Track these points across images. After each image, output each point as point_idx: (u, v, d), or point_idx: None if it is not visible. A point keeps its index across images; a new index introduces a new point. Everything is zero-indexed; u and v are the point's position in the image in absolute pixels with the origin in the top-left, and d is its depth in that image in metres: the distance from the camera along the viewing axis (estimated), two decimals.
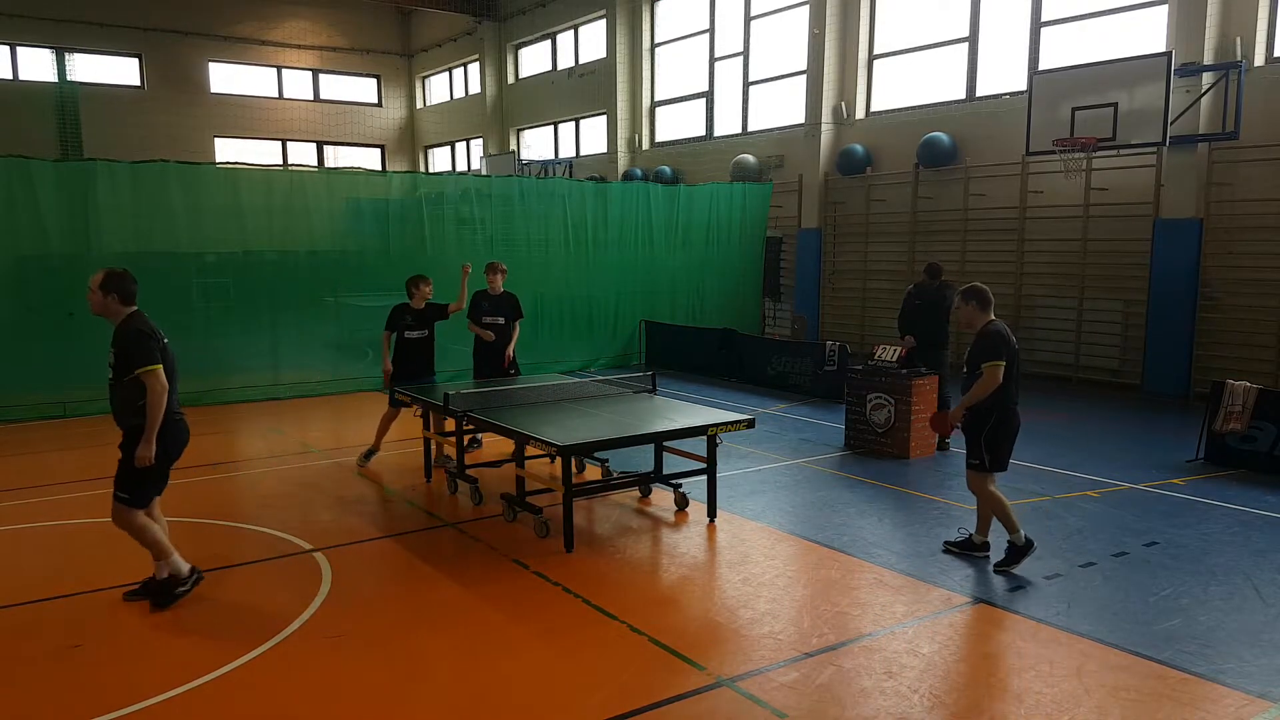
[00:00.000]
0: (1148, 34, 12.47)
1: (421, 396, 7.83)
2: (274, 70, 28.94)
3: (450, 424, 7.73)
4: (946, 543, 6.32)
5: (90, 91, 25.39)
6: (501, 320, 9.16)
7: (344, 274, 13.24)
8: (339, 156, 30.03)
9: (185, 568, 5.41)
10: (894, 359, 9.13)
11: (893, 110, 15.99)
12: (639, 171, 20.94)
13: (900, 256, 15.43)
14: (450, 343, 13.12)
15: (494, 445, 9.29)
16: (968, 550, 6.17)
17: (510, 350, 9.20)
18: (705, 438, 6.82)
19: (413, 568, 6.09)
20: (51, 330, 11.02)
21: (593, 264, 15.16)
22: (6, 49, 24.87)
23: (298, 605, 5.31)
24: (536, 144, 26.10)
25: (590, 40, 23.52)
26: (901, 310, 9.58)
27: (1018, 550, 5.76)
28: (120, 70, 26.52)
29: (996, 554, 6.02)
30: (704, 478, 7.01)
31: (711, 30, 19.83)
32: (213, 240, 12.29)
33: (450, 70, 29.84)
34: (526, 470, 6.88)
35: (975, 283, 6.03)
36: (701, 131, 20.31)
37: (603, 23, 22.40)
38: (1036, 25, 13.77)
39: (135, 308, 5.42)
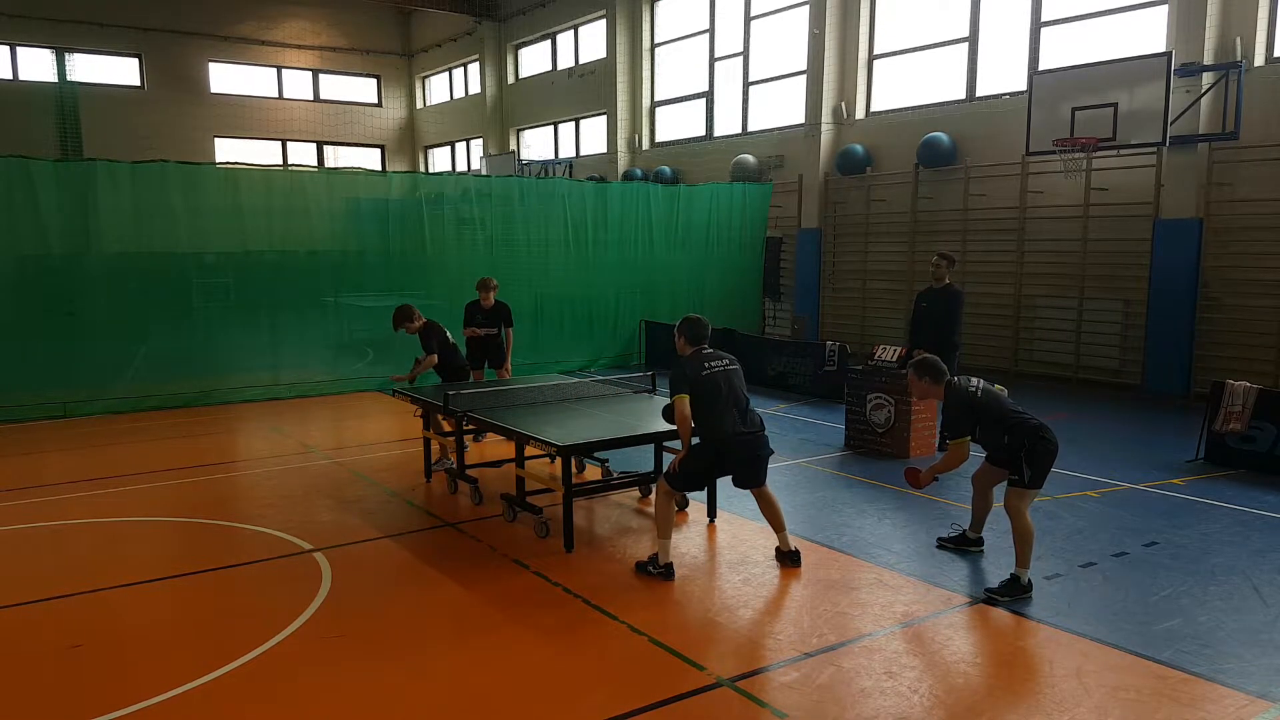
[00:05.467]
0: (1148, 34, 12.47)
1: (422, 397, 7.84)
2: (274, 70, 28.94)
3: (449, 424, 7.75)
4: (940, 539, 6.33)
5: (90, 91, 25.39)
6: (495, 330, 9.91)
7: (344, 274, 13.25)
8: (339, 156, 30.03)
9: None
10: (894, 359, 9.13)
11: (893, 110, 15.99)
12: (639, 171, 20.94)
13: (900, 256, 15.43)
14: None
15: (494, 445, 9.29)
16: (962, 545, 6.18)
17: (509, 360, 10.05)
18: None
19: (413, 568, 6.09)
20: (51, 330, 11.04)
21: (593, 264, 15.16)
22: (6, 49, 24.86)
23: (298, 605, 5.31)
24: (536, 144, 26.10)
25: (590, 40, 23.52)
26: (911, 316, 9.46)
27: (1019, 587, 5.42)
28: (120, 70, 26.52)
29: (994, 558, 6.02)
30: None
31: (711, 30, 19.83)
32: (213, 240, 12.29)
33: (450, 70, 29.84)
34: (526, 470, 6.87)
35: (926, 356, 5.90)
36: (701, 131, 20.31)
37: (603, 23, 22.39)
38: (1036, 25, 13.77)
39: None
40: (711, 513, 7.01)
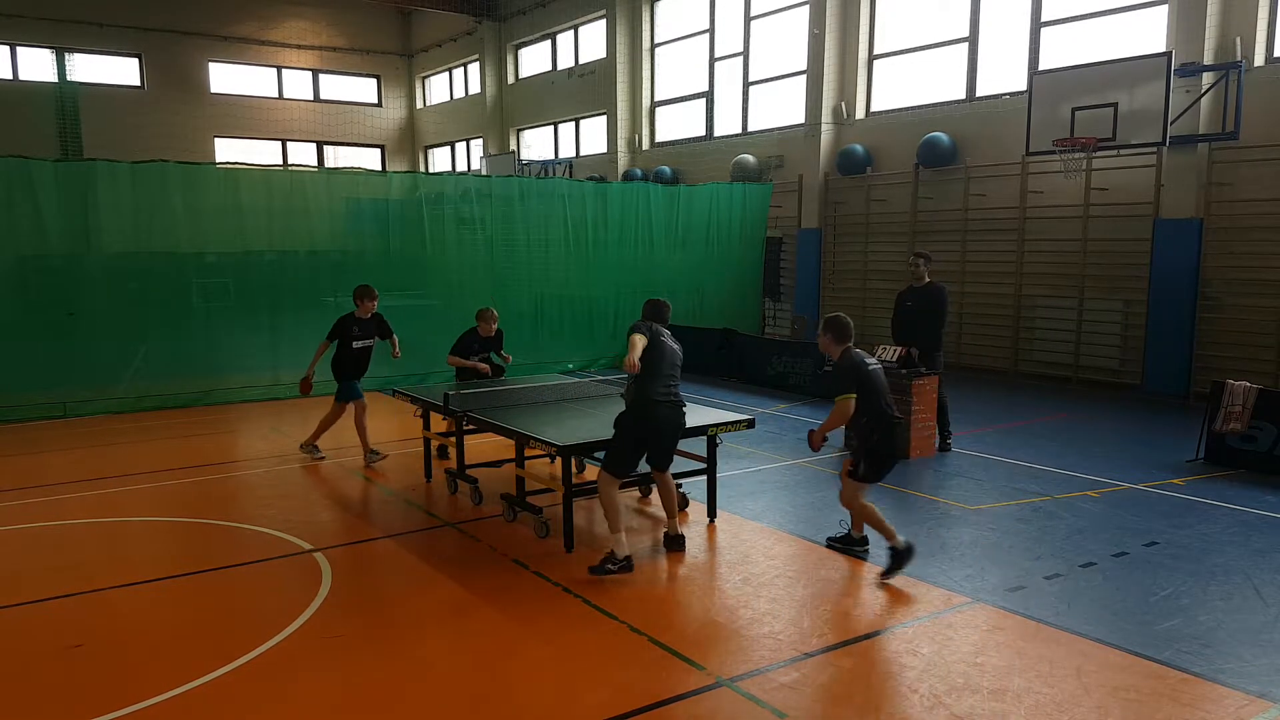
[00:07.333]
0: (1148, 34, 12.47)
1: (422, 397, 7.84)
2: (274, 70, 28.95)
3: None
4: (829, 539, 6.40)
5: (90, 91, 25.40)
6: (487, 355, 9.46)
7: (344, 274, 13.21)
8: (339, 156, 30.03)
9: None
10: (894, 359, 9.13)
11: (893, 110, 15.99)
12: (639, 171, 20.94)
13: (900, 256, 15.39)
14: (450, 341, 13.12)
15: (494, 445, 9.29)
16: (849, 545, 6.25)
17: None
18: (705, 438, 6.82)
19: (413, 568, 6.09)
20: (51, 330, 11.04)
21: (593, 264, 15.15)
22: (6, 49, 24.88)
23: (298, 605, 5.31)
24: (536, 144, 26.11)
25: (590, 40, 23.53)
26: (894, 315, 9.49)
27: (898, 554, 5.70)
28: (120, 70, 26.53)
29: (995, 555, 6.02)
30: (704, 478, 7.02)
31: (711, 30, 19.83)
32: (213, 240, 12.29)
33: (450, 70, 29.85)
34: (526, 470, 6.87)
35: (838, 314, 6.09)
36: (701, 131, 20.31)
37: (603, 23, 22.40)
38: (1036, 25, 13.77)
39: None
40: (711, 513, 7.01)
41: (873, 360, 5.96)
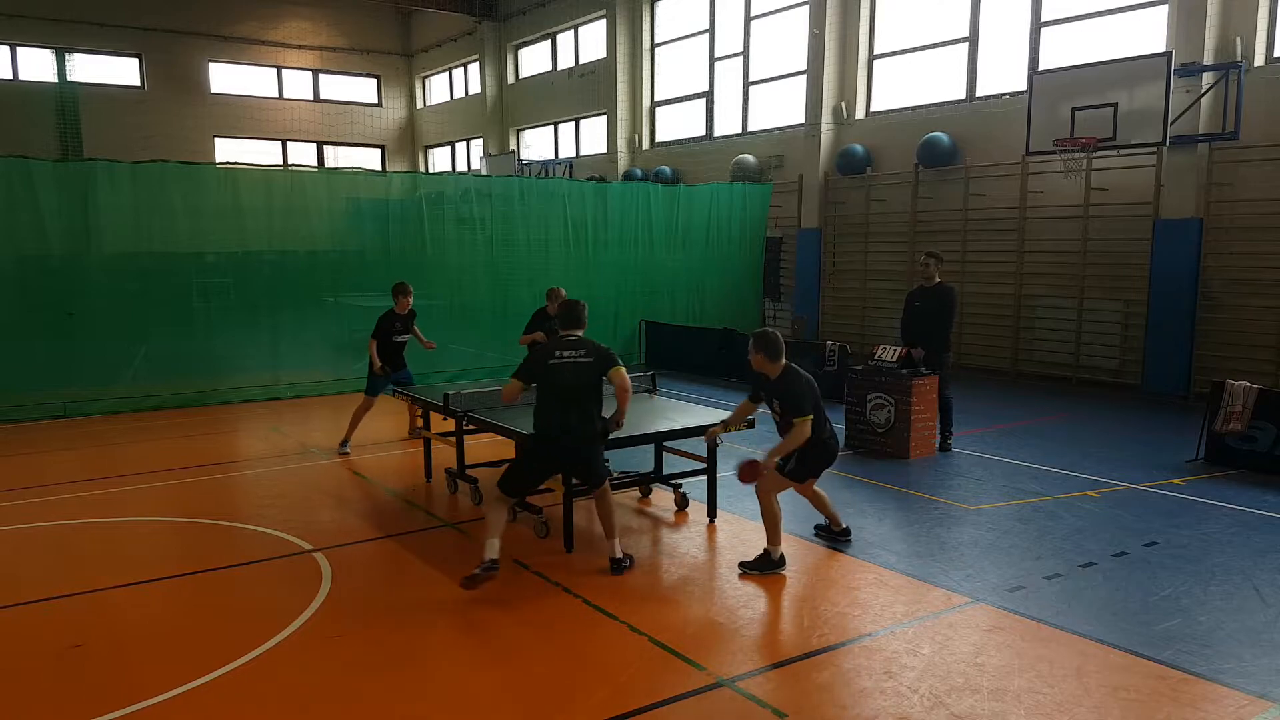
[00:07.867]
0: (1148, 34, 12.47)
1: (421, 397, 7.84)
2: (274, 70, 28.94)
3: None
4: (816, 526, 6.56)
5: (90, 91, 25.39)
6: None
7: (344, 274, 13.25)
8: (339, 156, 30.01)
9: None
10: (894, 359, 9.13)
11: (893, 110, 15.99)
12: (639, 171, 20.94)
13: (900, 256, 15.42)
14: (450, 341, 13.11)
15: (495, 445, 9.28)
16: (833, 537, 6.43)
17: None
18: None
19: (413, 568, 6.09)
20: (51, 330, 11.04)
21: (593, 264, 15.14)
22: (6, 49, 24.87)
23: (298, 605, 5.31)
24: (536, 144, 26.11)
25: (590, 40, 23.53)
26: (903, 315, 9.49)
27: (770, 562, 5.81)
28: (120, 70, 26.53)
29: (994, 556, 6.01)
30: (704, 478, 7.02)
31: (711, 30, 19.84)
32: (213, 240, 12.29)
33: (450, 70, 29.85)
34: None
35: (766, 329, 6.04)
36: (701, 131, 20.31)
37: (603, 23, 22.40)
38: (1036, 25, 13.77)
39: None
40: (712, 513, 7.02)
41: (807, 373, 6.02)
